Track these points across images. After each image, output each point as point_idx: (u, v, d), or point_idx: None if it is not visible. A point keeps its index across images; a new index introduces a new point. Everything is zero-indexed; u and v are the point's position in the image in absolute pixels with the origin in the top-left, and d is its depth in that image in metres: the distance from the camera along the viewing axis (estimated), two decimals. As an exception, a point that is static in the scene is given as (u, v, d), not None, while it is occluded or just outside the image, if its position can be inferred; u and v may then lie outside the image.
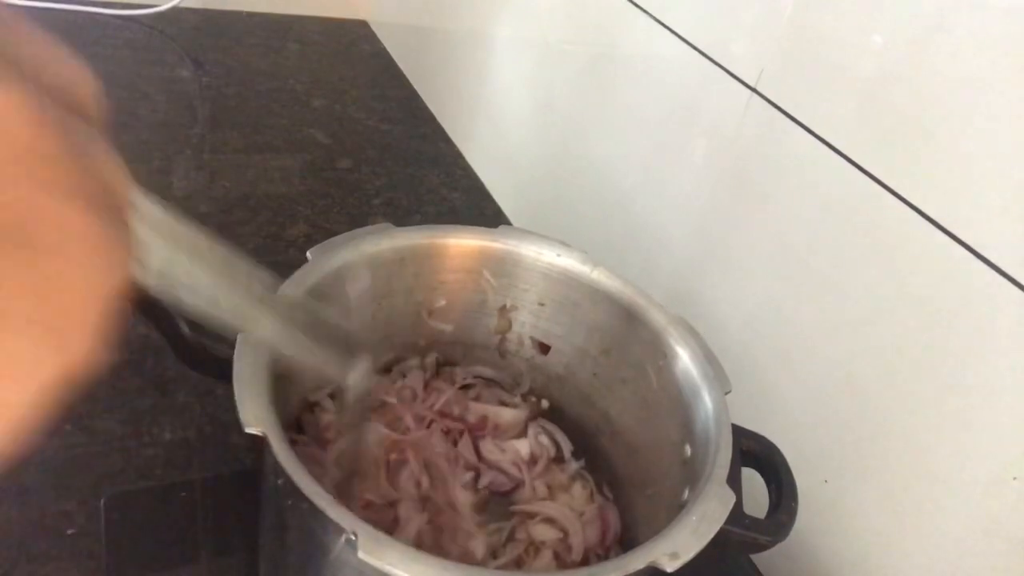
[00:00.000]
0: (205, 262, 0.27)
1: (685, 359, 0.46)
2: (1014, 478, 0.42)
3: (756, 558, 0.58)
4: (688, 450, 0.44)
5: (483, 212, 0.90)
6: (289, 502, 0.37)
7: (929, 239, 0.45)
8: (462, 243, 0.51)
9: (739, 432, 0.42)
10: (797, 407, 0.55)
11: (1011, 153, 0.41)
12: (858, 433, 0.51)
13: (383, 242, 0.48)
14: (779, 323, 0.57)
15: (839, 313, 0.52)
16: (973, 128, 0.43)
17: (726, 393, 0.44)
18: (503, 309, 0.54)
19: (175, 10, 1.11)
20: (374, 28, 1.27)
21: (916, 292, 0.47)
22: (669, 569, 0.34)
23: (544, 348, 0.54)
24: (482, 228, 0.51)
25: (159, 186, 0.80)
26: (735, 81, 0.58)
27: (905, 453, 0.48)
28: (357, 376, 0.39)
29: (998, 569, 0.44)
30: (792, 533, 0.57)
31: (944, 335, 0.45)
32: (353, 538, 0.32)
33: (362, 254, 0.47)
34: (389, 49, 1.22)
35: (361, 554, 0.31)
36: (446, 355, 0.56)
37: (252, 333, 0.32)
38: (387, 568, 0.31)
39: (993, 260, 0.42)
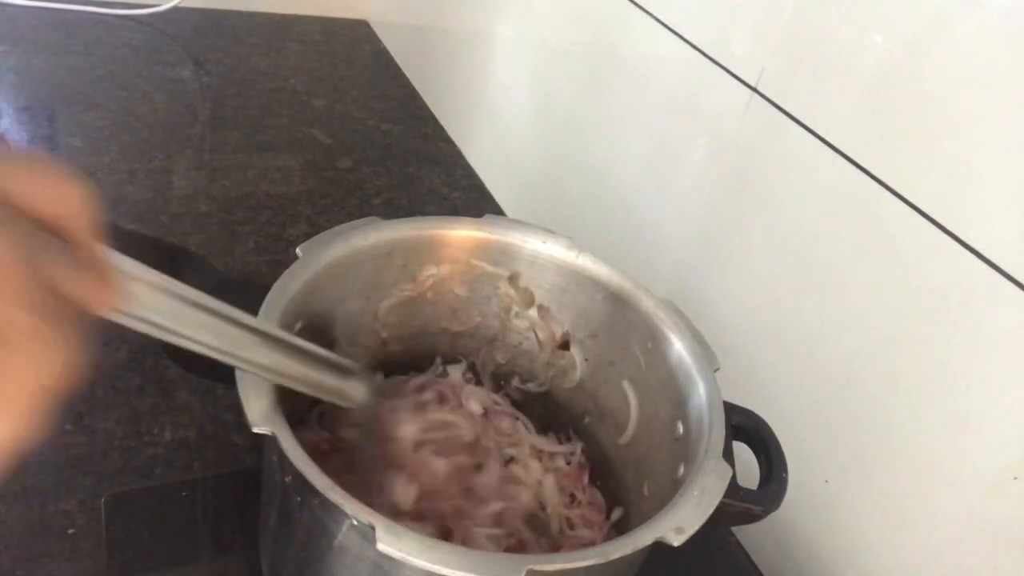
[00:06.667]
0: (197, 309, 0.32)
1: (675, 341, 0.47)
2: (1015, 478, 0.42)
3: (758, 558, 0.58)
4: (680, 428, 0.45)
5: (483, 212, 0.90)
6: (298, 499, 0.37)
7: (929, 238, 0.45)
8: (449, 233, 0.51)
9: (728, 408, 0.43)
10: (797, 407, 0.55)
11: (1011, 153, 0.41)
12: (859, 433, 0.51)
13: (371, 235, 0.48)
14: (779, 323, 0.57)
15: (840, 313, 0.52)
16: (973, 128, 0.43)
17: (715, 370, 0.45)
18: (512, 277, 0.53)
19: (175, 10, 1.11)
20: (374, 28, 1.27)
21: (916, 292, 0.47)
22: (676, 543, 0.35)
23: (564, 344, 0.55)
24: (468, 218, 0.52)
25: (159, 186, 0.80)
26: (735, 81, 0.58)
27: (905, 453, 0.48)
28: (358, 396, 0.42)
29: (999, 569, 0.44)
30: (793, 532, 0.57)
31: (944, 335, 0.45)
32: (371, 531, 0.32)
33: (351, 248, 0.47)
34: (389, 49, 1.22)
35: (380, 546, 0.32)
36: (434, 345, 0.56)
37: (247, 365, 0.35)
38: (406, 558, 0.32)
39: (993, 260, 0.42)
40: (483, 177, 0.95)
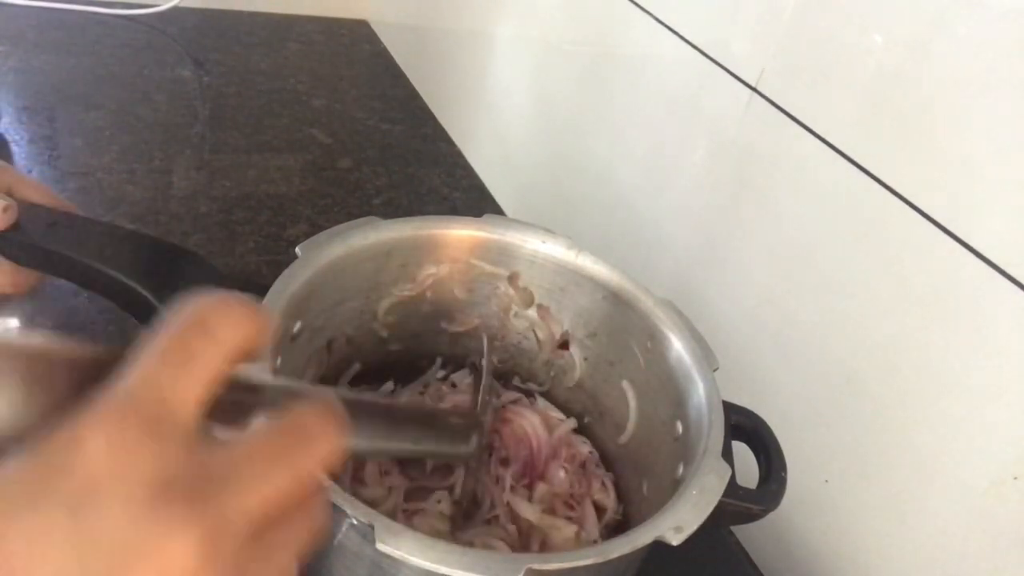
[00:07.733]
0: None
1: (675, 340, 0.47)
2: (1014, 478, 0.42)
3: (758, 558, 0.58)
4: (679, 427, 0.45)
5: (483, 212, 0.90)
6: None
7: (930, 238, 0.45)
8: (449, 233, 0.51)
9: (728, 407, 0.43)
10: (797, 407, 0.55)
11: (1011, 153, 0.41)
12: (858, 433, 0.51)
13: (370, 235, 0.48)
14: (779, 323, 0.57)
15: (839, 313, 0.52)
16: (973, 128, 0.43)
17: (714, 370, 0.45)
18: (512, 277, 0.53)
19: (175, 10, 1.11)
20: (375, 28, 1.27)
21: (916, 291, 0.47)
22: (675, 543, 0.35)
23: (564, 343, 0.55)
24: (467, 218, 0.52)
25: (159, 186, 0.80)
26: (735, 81, 0.58)
27: (905, 453, 0.48)
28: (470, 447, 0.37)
29: (998, 569, 0.44)
30: (793, 532, 0.57)
31: (944, 335, 0.45)
32: (370, 530, 0.32)
33: (351, 248, 0.47)
34: (390, 49, 1.22)
35: (379, 545, 0.32)
36: (434, 345, 0.56)
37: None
38: (405, 557, 0.32)
39: (993, 260, 0.42)
40: (483, 177, 0.95)
